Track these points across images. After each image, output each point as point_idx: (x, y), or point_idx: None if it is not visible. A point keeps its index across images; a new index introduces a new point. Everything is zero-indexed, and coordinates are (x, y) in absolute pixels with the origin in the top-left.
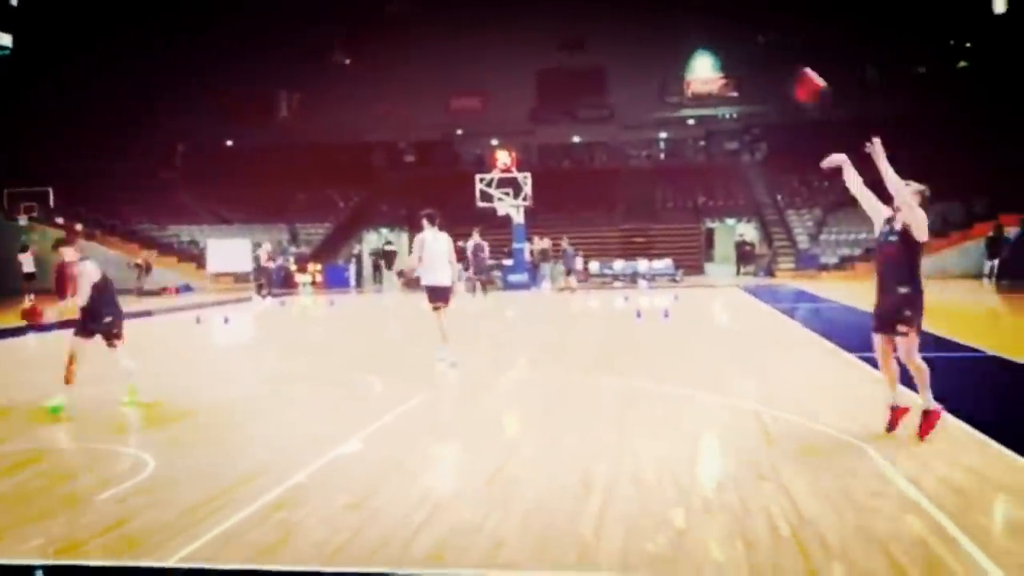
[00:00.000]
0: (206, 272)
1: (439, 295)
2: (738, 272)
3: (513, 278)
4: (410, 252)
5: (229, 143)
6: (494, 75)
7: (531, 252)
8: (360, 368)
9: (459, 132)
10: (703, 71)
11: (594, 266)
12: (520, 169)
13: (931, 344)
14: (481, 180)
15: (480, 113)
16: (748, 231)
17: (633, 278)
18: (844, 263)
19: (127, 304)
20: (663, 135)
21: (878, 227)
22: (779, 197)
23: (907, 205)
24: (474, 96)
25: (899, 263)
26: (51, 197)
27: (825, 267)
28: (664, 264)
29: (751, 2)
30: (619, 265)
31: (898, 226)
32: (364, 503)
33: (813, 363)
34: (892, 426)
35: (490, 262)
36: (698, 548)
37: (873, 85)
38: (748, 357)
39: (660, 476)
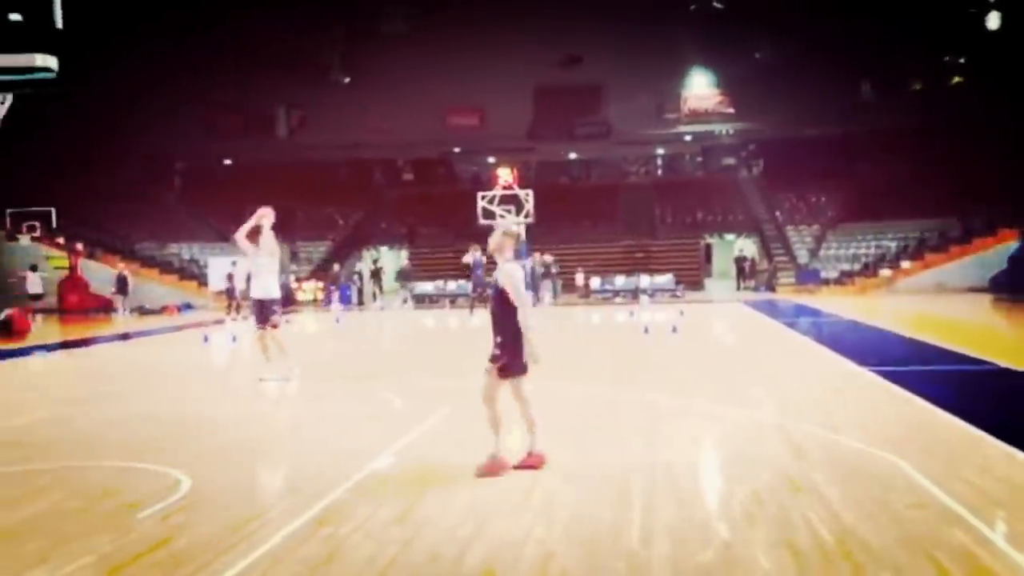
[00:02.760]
0: (208, 290)
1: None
2: (738, 287)
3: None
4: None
5: (228, 161)
6: (491, 92)
7: (532, 269)
8: (376, 384)
9: (456, 150)
10: (700, 88)
11: (595, 282)
12: (519, 186)
13: (945, 357)
14: (483, 197)
15: (477, 130)
16: (747, 246)
17: (635, 294)
18: (844, 278)
19: (119, 324)
20: (660, 151)
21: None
22: (778, 213)
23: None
24: (471, 113)
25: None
26: (53, 217)
27: (826, 282)
28: (665, 279)
29: (747, 19)
30: (620, 281)
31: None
32: (408, 517)
33: (827, 376)
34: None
35: (489, 279)
36: (747, 558)
37: (868, 101)
38: (762, 371)
39: (697, 488)
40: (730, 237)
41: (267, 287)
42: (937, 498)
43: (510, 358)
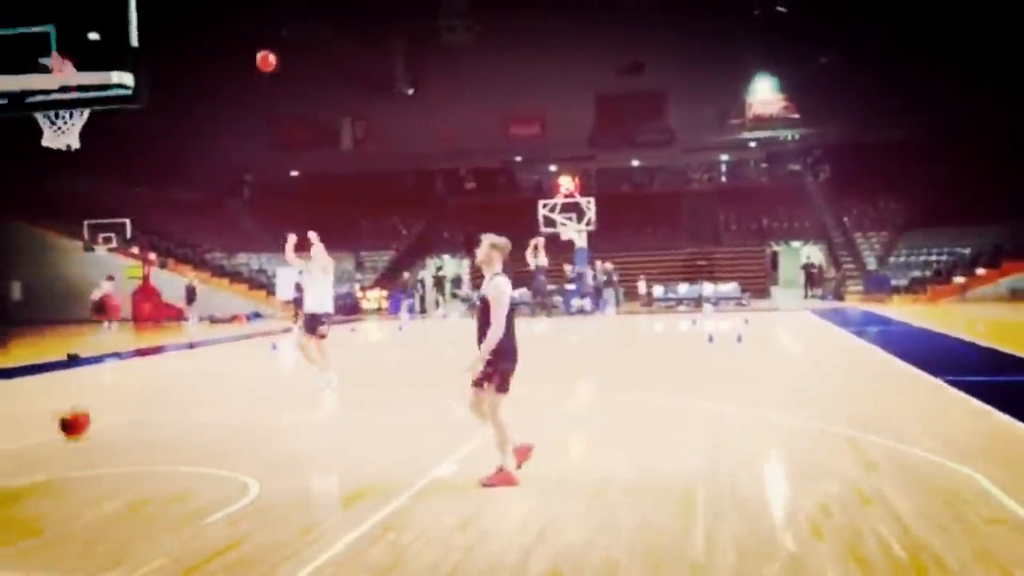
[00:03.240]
0: (276, 299)
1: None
2: (806, 295)
3: (576, 303)
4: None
5: (295, 173)
6: (552, 101)
7: (594, 276)
8: (438, 391)
9: (518, 158)
10: (764, 93)
11: (658, 290)
12: (581, 194)
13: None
14: (544, 206)
15: (539, 139)
16: (814, 253)
17: (698, 302)
18: (915, 285)
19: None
20: (724, 157)
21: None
22: (845, 219)
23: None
24: (533, 122)
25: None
26: (128, 228)
27: (896, 290)
28: (730, 287)
29: (812, 23)
30: (683, 289)
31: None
32: (471, 524)
33: (898, 387)
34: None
35: (551, 287)
36: (814, 571)
37: (940, 103)
38: (830, 381)
39: (762, 499)
40: (796, 244)
41: (318, 300)
42: (1016, 513)
43: (503, 371)
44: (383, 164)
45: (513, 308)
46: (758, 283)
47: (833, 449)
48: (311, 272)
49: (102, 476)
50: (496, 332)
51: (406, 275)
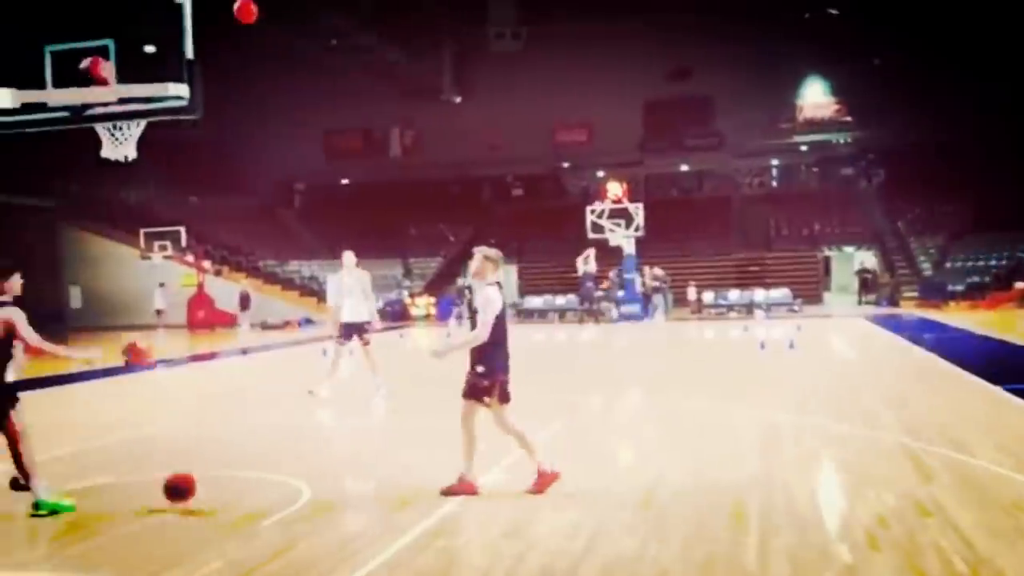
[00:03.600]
0: (327, 306)
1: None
2: (860, 301)
3: (625, 309)
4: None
5: (344, 181)
6: (599, 107)
7: (642, 283)
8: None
9: (565, 164)
10: (815, 96)
11: (708, 296)
12: (629, 199)
13: None
14: (592, 211)
15: (586, 144)
16: (868, 259)
17: (749, 308)
18: (973, 291)
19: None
20: (775, 162)
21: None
22: (900, 223)
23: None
24: (580, 128)
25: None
26: (183, 236)
27: (952, 295)
28: (781, 293)
29: (865, 24)
30: (734, 295)
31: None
32: (520, 532)
33: (956, 395)
34: (451, 492)
35: (599, 293)
36: None
37: (997, 104)
38: (886, 389)
39: (816, 509)
40: (849, 249)
41: (353, 310)
42: None
43: (501, 382)
44: (431, 172)
45: (503, 317)
46: (810, 289)
47: (889, 458)
48: (343, 283)
49: (160, 480)
50: (480, 335)
51: (461, 281)
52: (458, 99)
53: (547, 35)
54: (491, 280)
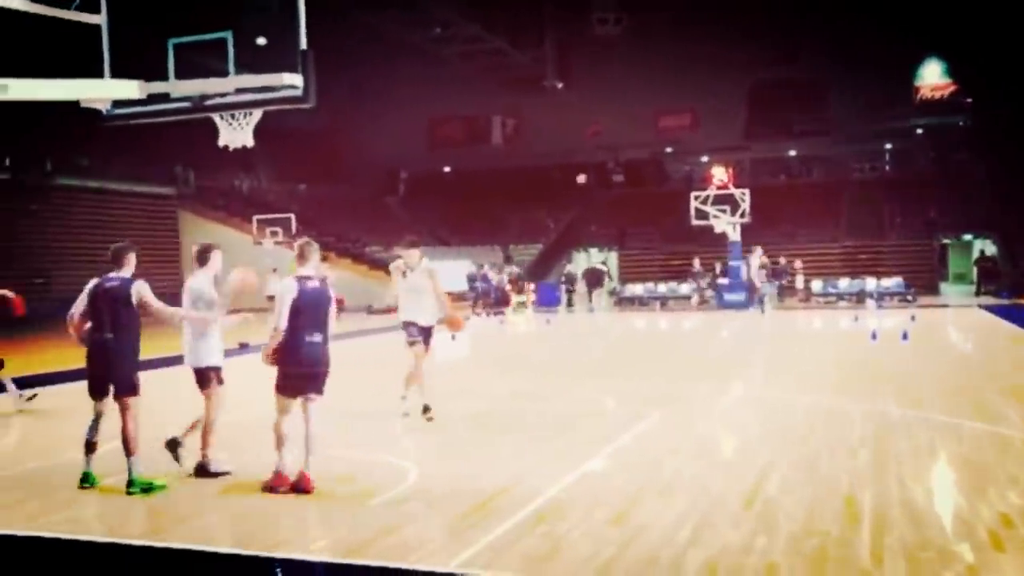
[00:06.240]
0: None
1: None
2: (978, 292)
3: (729, 297)
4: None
5: (447, 169)
6: (704, 92)
7: (747, 270)
8: (588, 385)
9: (668, 150)
10: (932, 77)
11: (817, 285)
12: (734, 185)
13: None
14: (696, 198)
15: (689, 130)
16: (988, 247)
17: (860, 297)
18: None
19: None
20: (888, 146)
21: None
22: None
23: None
24: (683, 113)
25: None
26: (293, 223)
27: None
28: (894, 282)
29: (986, 3)
30: (844, 284)
31: None
32: (624, 520)
33: None
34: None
35: (703, 281)
36: None
37: None
38: (1006, 381)
39: (933, 506)
40: (967, 237)
41: (406, 310)
42: None
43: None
44: (532, 159)
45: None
46: (925, 278)
47: (1013, 455)
48: (398, 286)
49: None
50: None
51: (569, 267)
52: (560, 85)
53: (649, 20)
54: (301, 272)
